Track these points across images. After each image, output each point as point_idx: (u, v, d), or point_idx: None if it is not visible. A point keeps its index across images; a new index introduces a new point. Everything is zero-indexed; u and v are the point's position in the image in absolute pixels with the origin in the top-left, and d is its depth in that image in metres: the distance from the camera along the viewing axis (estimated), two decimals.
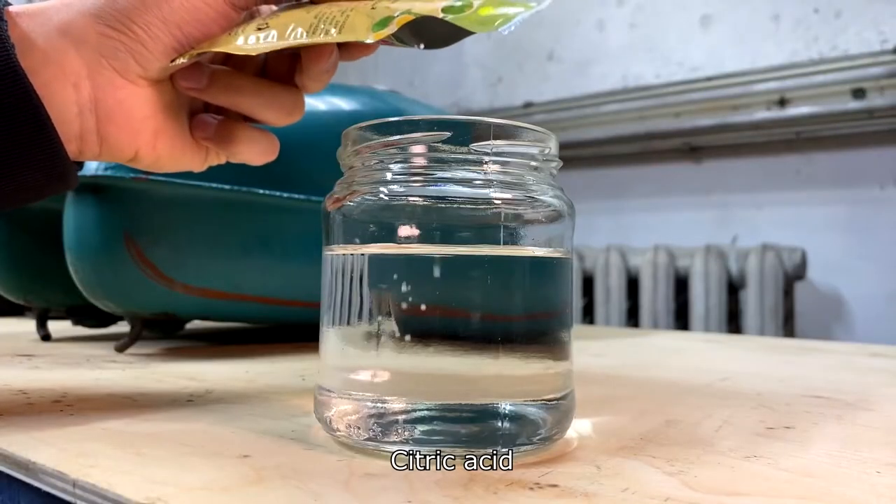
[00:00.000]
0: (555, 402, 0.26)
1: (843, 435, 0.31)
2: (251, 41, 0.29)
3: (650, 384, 0.44)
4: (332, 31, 0.28)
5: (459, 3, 0.29)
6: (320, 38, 0.29)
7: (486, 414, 0.25)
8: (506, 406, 0.25)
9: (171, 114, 0.33)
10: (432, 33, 0.30)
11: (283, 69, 0.34)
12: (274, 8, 0.33)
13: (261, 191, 0.52)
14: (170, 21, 0.30)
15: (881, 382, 0.46)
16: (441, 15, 0.28)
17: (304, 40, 0.29)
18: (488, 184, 0.26)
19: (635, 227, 1.73)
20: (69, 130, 0.30)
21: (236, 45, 0.30)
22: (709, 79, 1.58)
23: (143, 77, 0.31)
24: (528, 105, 1.86)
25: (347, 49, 0.33)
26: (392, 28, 0.27)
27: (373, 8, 0.29)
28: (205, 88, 0.32)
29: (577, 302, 1.68)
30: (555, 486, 0.22)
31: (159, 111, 0.32)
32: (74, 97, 0.29)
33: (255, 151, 0.35)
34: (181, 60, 0.31)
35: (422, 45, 0.31)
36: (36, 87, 0.27)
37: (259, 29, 0.30)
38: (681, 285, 1.56)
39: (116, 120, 0.31)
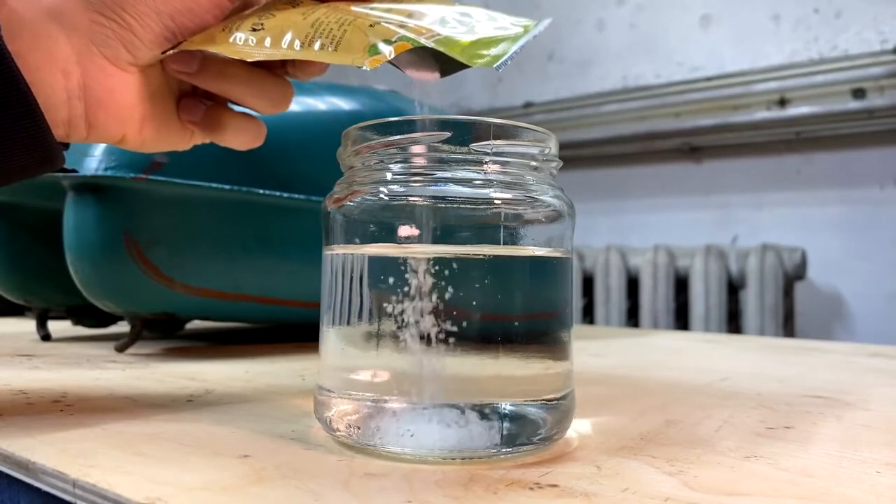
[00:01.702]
0: (555, 402, 0.26)
1: (843, 435, 0.31)
2: (246, 41, 0.29)
3: (650, 384, 0.44)
4: (329, 47, 0.28)
5: (459, 35, 0.29)
6: (313, 54, 0.28)
7: (486, 414, 0.25)
8: (506, 406, 0.25)
9: (159, 99, 0.33)
10: (428, 63, 0.30)
11: (276, 59, 0.34)
12: None
13: (261, 191, 0.52)
14: (163, 11, 0.29)
15: (881, 382, 0.46)
16: (435, 44, 0.28)
17: (298, 52, 0.28)
18: (488, 184, 0.26)
19: (635, 227, 1.73)
20: (57, 116, 0.29)
21: (230, 47, 0.29)
22: (709, 79, 1.58)
23: (133, 64, 0.30)
24: (528, 105, 1.86)
25: None
26: (388, 54, 0.27)
27: (371, 26, 0.28)
28: (195, 74, 0.32)
29: (577, 302, 1.68)
30: (555, 486, 0.22)
31: (148, 97, 0.32)
32: (63, 83, 0.29)
33: (242, 139, 0.35)
34: (172, 52, 0.30)
35: (415, 76, 0.31)
36: (24, 72, 0.27)
37: (254, 29, 0.30)
38: (681, 285, 1.56)
39: (105, 107, 0.31)
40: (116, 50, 0.30)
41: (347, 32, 0.29)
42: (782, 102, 1.48)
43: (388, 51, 0.27)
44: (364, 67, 0.27)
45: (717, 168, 1.63)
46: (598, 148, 1.73)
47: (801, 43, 1.49)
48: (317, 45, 0.28)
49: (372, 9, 0.30)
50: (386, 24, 0.29)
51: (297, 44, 0.29)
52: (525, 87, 1.87)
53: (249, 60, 0.29)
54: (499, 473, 0.23)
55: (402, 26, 0.29)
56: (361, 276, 0.26)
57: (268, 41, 0.29)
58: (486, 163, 0.26)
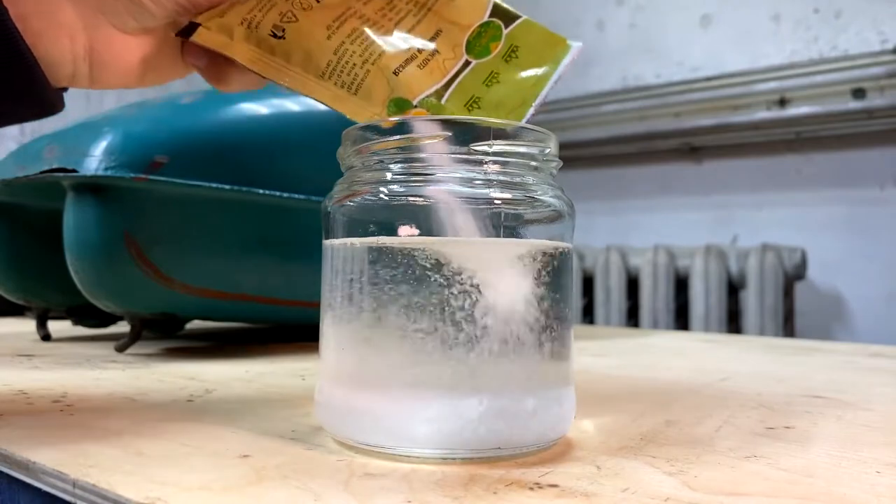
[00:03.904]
0: (555, 400, 0.26)
1: (843, 435, 0.31)
2: (265, 51, 0.28)
3: (650, 384, 0.44)
4: (349, 87, 0.27)
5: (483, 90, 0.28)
6: (330, 93, 0.27)
7: (486, 413, 0.25)
8: (507, 404, 0.25)
9: (164, 49, 0.32)
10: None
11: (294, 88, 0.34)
12: None
13: (261, 191, 0.52)
14: None
15: (881, 382, 0.46)
16: (459, 114, 0.27)
17: (315, 83, 0.28)
18: (488, 184, 0.26)
19: (635, 227, 1.73)
20: (61, 72, 0.29)
21: (247, 52, 0.29)
22: (709, 79, 1.58)
23: (141, 30, 0.30)
24: None
25: None
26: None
27: (394, 73, 0.28)
28: None
29: (577, 302, 1.68)
30: (555, 486, 0.22)
31: (153, 52, 0.31)
32: (69, 46, 0.29)
33: (243, 87, 0.34)
34: (185, 37, 0.30)
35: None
36: (26, 36, 0.27)
37: (274, 34, 0.28)
38: (681, 285, 1.56)
39: (111, 67, 0.30)
40: (125, 21, 0.29)
41: (370, 74, 0.28)
42: (782, 102, 1.48)
43: (405, 114, 0.27)
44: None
45: (717, 168, 1.63)
46: (598, 148, 1.73)
47: (801, 43, 1.49)
48: (336, 82, 0.28)
49: (398, 25, 0.29)
50: (409, 70, 0.28)
51: (316, 70, 0.28)
52: None
53: (264, 76, 0.29)
54: (499, 473, 0.23)
55: (425, 63, 0.28)
56: (361, 276, 0.26)
57: (287, 57, 0.28)
58: (486, 163, 0.26)
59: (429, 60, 0.29)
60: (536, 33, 0.30)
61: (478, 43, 0.30)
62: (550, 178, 0.28)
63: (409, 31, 0.29)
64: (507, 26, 0.30)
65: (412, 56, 0.29)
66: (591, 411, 0.34)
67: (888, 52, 1.39)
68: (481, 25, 0.30)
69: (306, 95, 0.29)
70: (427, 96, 0.28)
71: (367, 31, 0.29)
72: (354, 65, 0.28)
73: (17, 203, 0.61)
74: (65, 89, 0.31)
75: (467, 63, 0.29)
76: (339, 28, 0.29)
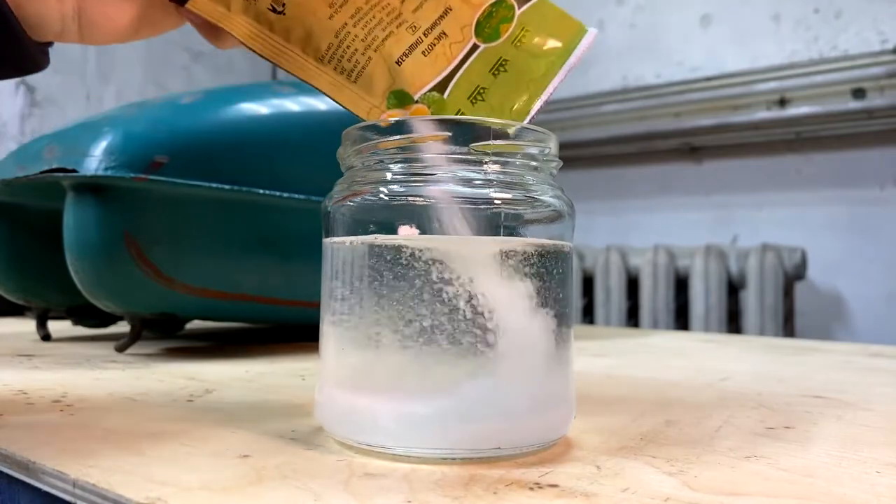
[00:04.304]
0: (555, 400, 0.26)
1: (843, 435, 0.31)
2: (263, 27, 0.27)
3: (650, 384, 0.44)
4: (350, 74, 0.26)
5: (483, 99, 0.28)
6: (329, 79, 0.26)
7: (486, 413, 0.25)
8: (506, 403, 0.25)
9: (156, 3, 0.31)
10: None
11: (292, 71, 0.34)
12: None
13: (261, 191, 0.52)
14: None
15: (881, 382, 0.46)
16: (463, 107, 0.27)
17: (314, 67, 0.27)
18: (488, 184, 0.26)
19: (635, 227, 1.73)
20: (47, 31, 0.29)
21: (244, 27, 0.27)
22: (709, 79, 1.57)
23: None
24: None
25: None
26: (404, 114, 0.26)
27: (397, 62, 0.27)
28: None
29: (577, 302, 1.67)
30: (555, 486, 0.22)
31: (145, 10, 0.31)
32: (57, 7, 0.29)
33: (238, 46, 0.33)
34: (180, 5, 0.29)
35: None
36: (11, 3, 0.27)
37: (273, 9, 0.27)
38: (681, 285, 1.56)
39: (100, 27, 0.30)
40: None
41: (372, 62, 0.27)
42: (782, 102, 1.48)
43: (406, 108, 0.26)
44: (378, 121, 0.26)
45: (717, 168, 1.63)
46: (598, 148, 1.73)
47: (801, 43, 1.49)
48: (336, 67, 0.27)
49: (404, 1, 0.27)
50: (413, 59, 0.27)
51: (315, 53, 0.27)
52: None
53: (261, 56, 0.28)
54: (499, 473, 0.23)
55: (430, 49, 0.27)
56: (361, 276, 0.26)
57: (286, 35, 0.27)
58: (486, 163, 0.26)
59: (434, 45, 0.28)
60: (550, 15, 0.29)
61: (488, 24, 0.28)
62: (550, 178, 0.28)
63: (417, 8, 0.28)
64: (520, 6, 0.28)
65: (417, 41, 0.28)
66: (591, 411, 0.34)
67: (888, 52, 1.39)
68: (493, 4, 0.28)
69: (303, 80, 0.28)
70: (430, 90, 0.27)
71: (372, 11, 0.27)
72: (356, 50, 0.27)
73: (17, 203, 0.61)
74: (50, 44, 0.31)
75: (475, 47, 0.28)
76: (343, 6, 0.27)
